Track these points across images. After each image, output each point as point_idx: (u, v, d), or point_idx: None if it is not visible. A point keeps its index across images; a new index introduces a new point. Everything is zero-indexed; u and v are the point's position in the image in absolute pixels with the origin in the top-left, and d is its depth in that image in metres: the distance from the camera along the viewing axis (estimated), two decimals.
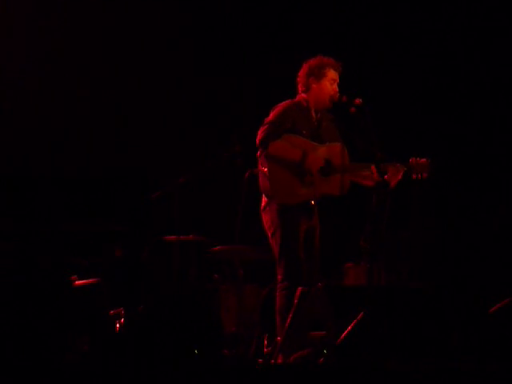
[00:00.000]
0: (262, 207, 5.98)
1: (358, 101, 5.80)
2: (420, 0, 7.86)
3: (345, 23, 7.91)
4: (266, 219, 5.95)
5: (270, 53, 7.90)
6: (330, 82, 6.01)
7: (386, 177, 5.80)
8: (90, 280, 5.82)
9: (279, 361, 5.58)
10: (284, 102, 6.03)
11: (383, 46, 7.88)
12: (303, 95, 6.08)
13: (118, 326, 5.80)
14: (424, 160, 5.97)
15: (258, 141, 5.86)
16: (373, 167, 5.91)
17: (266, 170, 5.83)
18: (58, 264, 5.22)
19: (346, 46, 7.65)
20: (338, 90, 5.99)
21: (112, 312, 5.87)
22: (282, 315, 5.74)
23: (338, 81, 6.03)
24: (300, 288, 5.56)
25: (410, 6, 7.85)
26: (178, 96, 7.91)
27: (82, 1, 7.82)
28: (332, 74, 6.01)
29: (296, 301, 5.53)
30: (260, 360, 6.00)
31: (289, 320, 5.55)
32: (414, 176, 5.97)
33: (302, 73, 6.09)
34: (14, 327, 4.97)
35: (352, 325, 5.16)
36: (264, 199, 5.97)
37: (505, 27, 7.70)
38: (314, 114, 6.08)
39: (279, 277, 5.87)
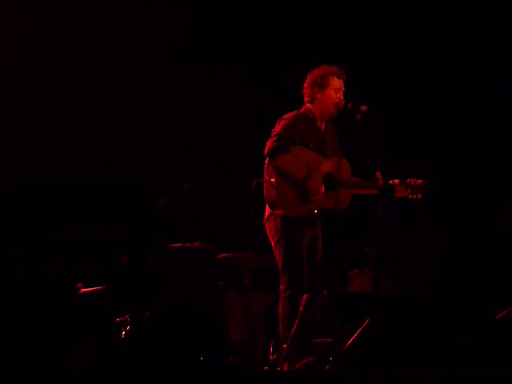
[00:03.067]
0: (265, 216, 5.98)
1: (364, 108, 5.82)
2: (422, 7, 7.87)
3: (351, 30, 7.92)
4: (270, 228, 5.95)
5: (276, 59, 7.91)
6: (334, 91, 6.00)
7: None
8: (96, 288, 5.83)
9: (285, 368, 5.57)
10: (291, 114, 6.02)
11: (388, 53, 7.89)
12: (309, 106, 6.09)
13: (123, 333, 5.80)
14: (420, 181, 6.00)
15: (266, 152, 5.86)
16: (378, 173, 5.92)
17: (273, 180, 5.83)
18: (63, 272, 5.21)
19: (352, 53, 7.65)
20: (342, 98, 5.99)
21: (118, 320, 5.88)
22: (285, 323, 5.76)
23: (343, 89, 6.03)
24: (306, 295, 5.55)
25: (414, 14, 7.86)
26: (184, 102, 7.92)
27: (85, 7, 7.86)
28: (336, 83, 6.01)
29: (301, 308, 5.52)
30: (266, 367, 6.00)
31: (294, 327, 5.54)
32: (410, 196, 6.00)
33: (306, 84, 6.10)
34: (19, 335, 4.97)
35: (358, 332, 5.15)
36: (268, 209, 5.97)
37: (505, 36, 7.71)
38: (320, 125, 6.09)
39: (282, 286, 5.89)
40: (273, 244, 5.95)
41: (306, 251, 5.92)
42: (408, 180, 6.01)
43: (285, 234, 5.88)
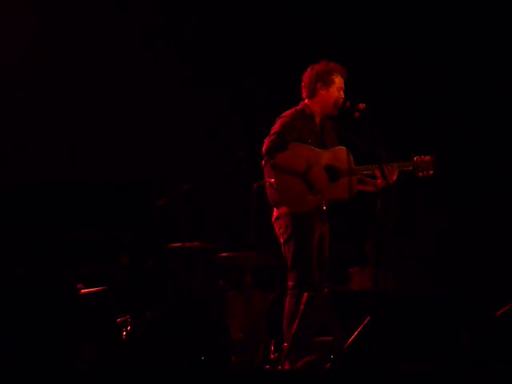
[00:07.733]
0: (273, 218, 5.98)
1: (362, 106, 5.82)
2: (421, 4, 7.87)
3: (346, 27, 7.92)
4: (280, 225, 5.92)
5: (274, 59, 7.90)
6: (337, 90, 6.02)
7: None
8: (97, 288, 5.83)
9: (286, 367, 5.57)
10: (289, 112, 6.03)
11: (385, 49, 7.88)
12: (307, 101, 6.09)
13: (124, 333, 5.81)
14: (428, 158, 6.00)
15: (264, 150, 5.86)
16: (377, 171, 5.92)
17: (272, 180, 5.83)
18: (63, 272, 5.22)
19: (349, 49, 7.64)
20: (343, 96, 6.01)
21: (119, 320, 5.88)
22: (291, 321, 5.71)
23: (344, 87, 6.05)
24: (306, 294, 5.55)
25: (411, 9, 7.86)
26: (183, 102, 7.92)
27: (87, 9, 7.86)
28: (340, 82, 6.03)
29: (302, 307, 5.52)
30: (267, 366, 6.00)
31: (295, 326, 5.55)
32: (421, 174, 5.99)
33: (308, 78, 6.08)
34: (20, 336, 4.98)
35: (358, 330, 5.15)
36: (276, 210, 5.97)
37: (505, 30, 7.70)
38: (317, 121, 6.09)
39: (290, 283, 5.85)
40: (282, 241, 5.92)
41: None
42: (415, 158, 6.00)
43: (295, 230, 5.84)
